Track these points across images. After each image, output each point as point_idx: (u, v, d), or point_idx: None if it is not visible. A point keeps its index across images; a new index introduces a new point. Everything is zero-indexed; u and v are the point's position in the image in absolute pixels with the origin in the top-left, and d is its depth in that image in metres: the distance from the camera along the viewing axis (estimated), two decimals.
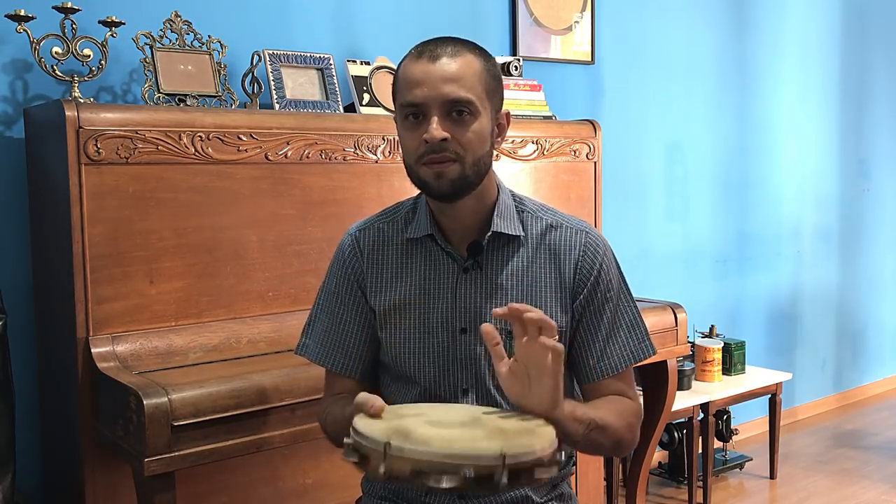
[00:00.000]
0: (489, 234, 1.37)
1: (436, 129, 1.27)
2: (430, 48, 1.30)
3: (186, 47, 2.17)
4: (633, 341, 1.42)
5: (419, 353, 1.39)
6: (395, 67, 2.47)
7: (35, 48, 1.99)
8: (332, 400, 1.43)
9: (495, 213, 1.38)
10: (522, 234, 1.39)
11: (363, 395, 1.13)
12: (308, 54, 2.36)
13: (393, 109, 2.38)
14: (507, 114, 1.39)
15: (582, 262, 1.39)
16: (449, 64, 1.28)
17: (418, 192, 1.42)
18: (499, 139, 1.37)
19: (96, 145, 1.83)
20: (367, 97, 2.40)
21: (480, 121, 1.30)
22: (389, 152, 2.27)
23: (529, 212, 1.42)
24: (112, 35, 2.08)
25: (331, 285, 1.46)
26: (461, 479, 0.99)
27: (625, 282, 1.45)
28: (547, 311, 1.37)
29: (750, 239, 4.04)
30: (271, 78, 2.25)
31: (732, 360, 3.45)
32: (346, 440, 1.09)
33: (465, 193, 1.32)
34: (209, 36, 2.21)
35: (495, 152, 1.39)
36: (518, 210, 1.42)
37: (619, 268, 1.45)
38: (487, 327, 1.14)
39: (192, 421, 1.68)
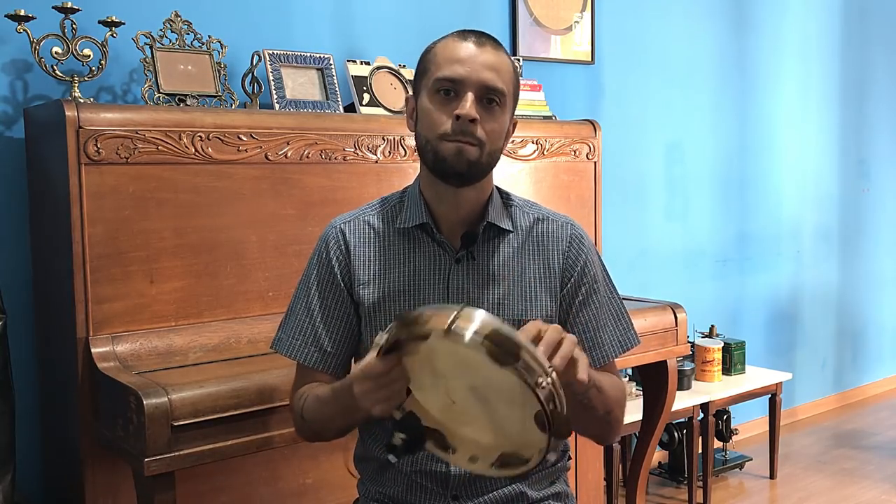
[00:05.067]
0: (484, 224, 1.39)
1: (471, 108, 1.29)
2: (475, 35, 1.35)
3: (186, 47, 2.17)
4: (620, 331, 1.46)
5: None
6: (395, 67, 2.48)
7: (35, 48, 1.99)
8: (312, 385, 1.41)
9: (489, 206, 1.40)
10: (511, 227, 1.42)
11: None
12: (308, 54, 2.36)
13: (393, 109, 2.40)
14: (516, 122, 1.44)
15: (569, 253, 1.43)
16: (492, 54, 1.33)
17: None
18: (506, 141, 1.40)
19: (96, 145, 1.83)
20: (367, 97, 2.40)
21: (505, 115, 1.35)
22: (389, 152, 2.27)
23: (517, 206, 1.46)
24: (112, 35, 2.08)
25: (310, 279, 1.45)
26: (512, 359, 0.99)
27: (608, 274, 1.49)
28: (536, 300, 1.40)
29: (750, 239, 4.04)
30: (271, 78, 2.25)
31: (732, 360, 3.46)
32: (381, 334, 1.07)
33: (474, 180, 1.35)
34: (209, 36, 2.21)
35: None
36: (506, 205, 1.45)
37: (601, 261, 1.49)
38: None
39: (192, 421, 1.68)
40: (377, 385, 1.10)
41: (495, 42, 1.36)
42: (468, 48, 1.32)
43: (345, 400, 1.16)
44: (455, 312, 1.00)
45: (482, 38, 1.34)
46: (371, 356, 1.09)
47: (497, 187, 1.46)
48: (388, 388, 1.11)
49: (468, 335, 0.99)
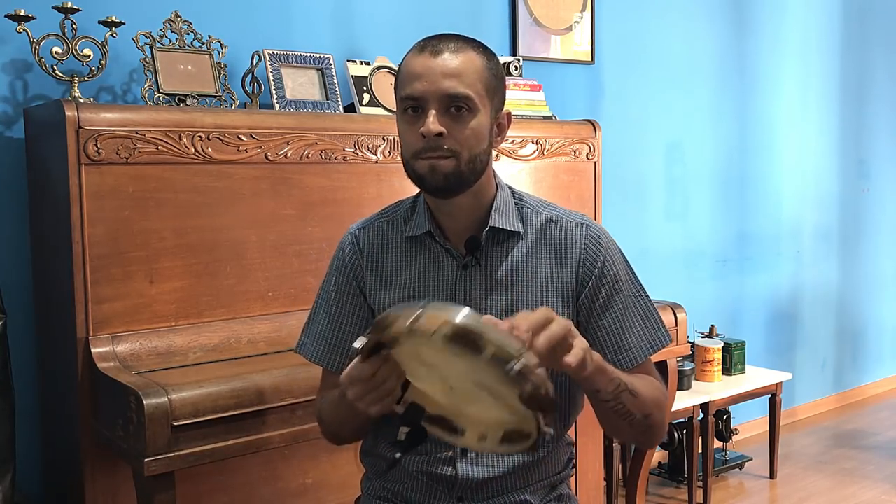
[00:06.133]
0: (486, 229, 1.36)
1: (432, 123, 1.27)
2: (432, 43, 1.31)
3: (186, 47, 2.17)
4: (650, 331, 1.39)
5: None
6: (395, 67, 2.48)
7: (35, 48, 1.99)
8: (331, 389, 1.41)
9: (493, 209, 1.37)
10: (521, 229, 1.39)
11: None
12: (308, 54, 2.36)
13: (393, 109, 2.40)
14: (508, 114, 1.39)
15: (584, 256, 1.38)
16: (450, 59, 1.29)
17: (418, 190, 1.42)
18: (498, 138, 1.37)
19: (96, 145, 1.83)
20: (367, 97, 2.41)
21: (479, 118, 1.30)
22: (389, 152, 2.27)
23: (529, 207, 1.42)
24: (112, 35, 2.08)
25: (329, 285, 1.46)
26: (477, 351, 0.99)
27: (632, 271, 1.43)
28: (547, 305, 1.36)
29: (750, 239, 4.04)
30: (271, 78, 2.25)
31: (732, 360, 3.46)
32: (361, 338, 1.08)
33: (460, 190, 1.32)
34: (209, 36, 2.21)
35: (494, 152, 1.39)
36: (518, 206, 1.41)
37: (624, 258, 1.43)
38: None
39: (192, 421, 1.68)
40: (366, 388, 1.11)
41: (458, 43, 1.31)
42: (425, 60, 1.29)
43: (347, 403, 1.16)
44: (418, 311, 1.01)
45: (440, 44, 1.30)
46: (356, 361, 1.09)
47: (511, 188, 1.43)
48: (378, 389, 1.12)
49: (430, 334, 1.00)
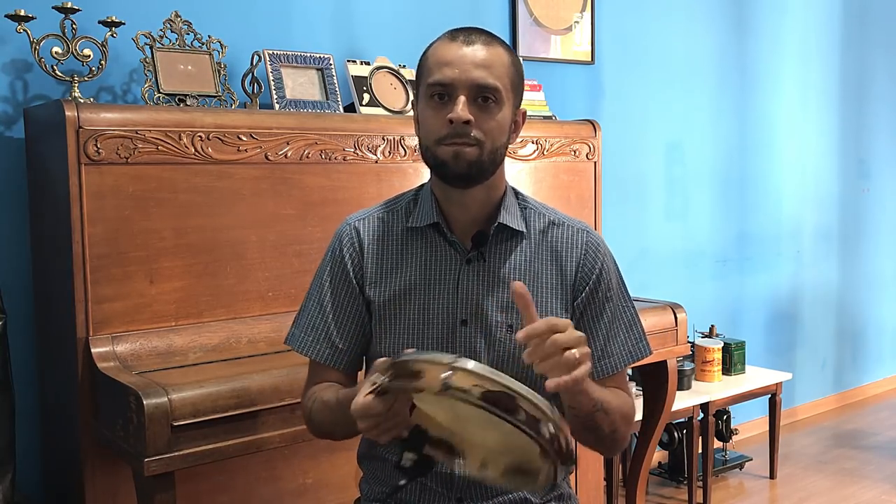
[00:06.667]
0: (495, 225, 1.37)
1: (462, 110, 1.28)
2: (464, 33, 1.33)
3: (186, 47, 2.17)
4: (632, 341, 1.44)
5: (417, 345, 1.38)
6: (395, 67, 2.48)
7: (35, 48, 1.99)
8: (322, 386, 1.41)
9: (502, 206, 1.39)
10: (525, 229, 1.40)
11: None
12: (308, 54, 2.36)
13: (393, 109, 2.40)
14: (524, 112, 1.41)
15: (584, 261, 1.40)
16: (482, 50, 1.31)
17: (416, 187, 1.42)
18: (514, 134, 1.39)
19: (96, 145, 1.83)
20: (367, 97, 2.41)
21: (503, 111, 1.32)
22: (389, 152, 2.27)
23: (532, 209, 1.44)
24: (112, 35, 2.08)
25: (323, 275, 1.45)
26: (511, 414, 0.98)
27: (623, 282, 1.47)
28: (548, 306, 1.38)
29: (750, 239, 4.04)
30: (271, 78, 2.25)
31: (732, 360, 3.46)
32: (381, 368, 1.05)
33: (479, 180, 1.33)
34: (209, 36, 2.21)
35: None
36: (521, 207, 1.43)
37: (617, 268, 1.46)
38: (519, 285, 1.13)
39: (191, 421, 1.68)
40: (379, 421, 1.10)
41: (488, 37, 1.34)
42: (457, 49, 1.31)
43: (350, 419, 1.14)
44: (448, 371, 0.99)
45: (472, 35, 1.33)
46: (366, 393, 1.08)
47: (514, 189, 1.44)
48: (391, 421, 1.11)
49: (462, 396, 0.98)
